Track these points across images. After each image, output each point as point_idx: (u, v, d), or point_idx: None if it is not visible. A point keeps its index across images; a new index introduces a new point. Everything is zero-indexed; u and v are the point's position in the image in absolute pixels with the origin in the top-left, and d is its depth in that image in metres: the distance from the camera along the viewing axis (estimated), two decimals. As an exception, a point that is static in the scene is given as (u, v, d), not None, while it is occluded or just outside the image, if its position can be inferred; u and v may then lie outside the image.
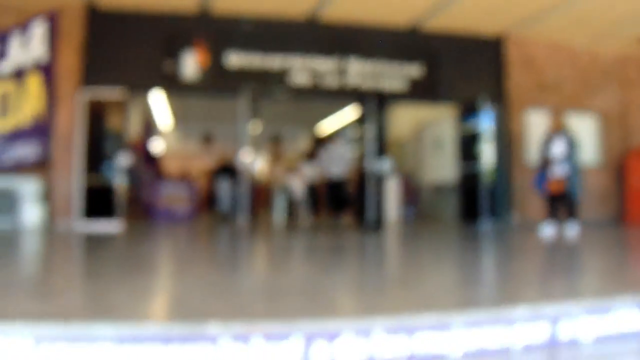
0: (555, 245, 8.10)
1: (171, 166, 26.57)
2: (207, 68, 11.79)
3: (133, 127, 16.94)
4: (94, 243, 8.47)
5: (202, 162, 26.64)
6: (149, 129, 21.27)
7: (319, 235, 9.99)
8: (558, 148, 9.91)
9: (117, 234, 9.76)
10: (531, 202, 12.90)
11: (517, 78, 13.30)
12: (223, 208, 16.93)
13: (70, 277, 4.75)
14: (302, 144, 23.29)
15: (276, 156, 18.28)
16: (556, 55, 13.73)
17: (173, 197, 14.96)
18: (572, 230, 9.71)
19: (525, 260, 6.15)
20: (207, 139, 23.88)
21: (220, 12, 11.87)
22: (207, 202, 21.14)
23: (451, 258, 6.44)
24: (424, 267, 5.44)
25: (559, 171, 9.85)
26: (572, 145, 9.80)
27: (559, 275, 4.77)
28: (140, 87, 11.92)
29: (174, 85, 11.83)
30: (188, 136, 23.73)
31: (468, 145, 13.02)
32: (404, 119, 17.40)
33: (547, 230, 9.85)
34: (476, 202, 12.48)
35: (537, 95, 13.46)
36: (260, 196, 25.94)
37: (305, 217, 15.45)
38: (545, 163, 10.11)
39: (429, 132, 15.24)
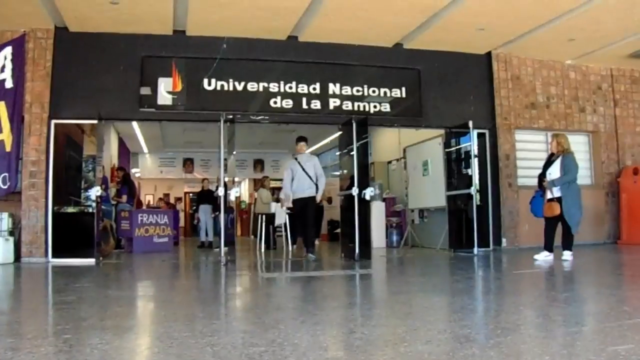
0: (553, 282, 7.66)
1: (152, 193, 26.11)
2: (184, 92, 11.26)
3: (109, 155, 16.44)
4: (59, 284, 7.88)
5: (184, 188, 26.24)
6: (126, 155, 20.76)
7: (298, 269, 9.44)
8: (554, 169, 9.54)
9: (87, 270, 9.15)
10: (522, 227, 12.46)
11: (506, 97, 12.83)
12: (203, 236, 16.43)
13: (22, 338, 4.19)
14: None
15: (260, 181, 17.77)
16: (545, 72, 13.31)
17: (151, 226, 14.39)
18: (566, 259, 9.35)
19: (526, 309, 5.60)
20: (188, 164, 23.31)
21: (196, 35, 11.36)
22: (190, 229, 20.71)
23: (445, 308, 5.86)
24: (416, 327, 4.89)
25: (552, 192, 9.47)
26: (566, 168, 9.39)
27: (565, 335, 4.26)
28: (114, 113, 11.27)
29: (148, 111, 11.25)
30: (169, 161, 23.12)
31: (456, 167, 12.53)
32: (389, 138, 16.95)
33: (543, 260, 9.49)
34: (466, 228, 11.95)
35: (527, 114, 13.00)
36: (243, 222, 25.57)
37: (294, 246, 14.93)
38: (541, 183, 9.78)
39: (415, 152, 14.71)
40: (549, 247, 9.70)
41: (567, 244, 9.52)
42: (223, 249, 10.28)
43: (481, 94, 12.84)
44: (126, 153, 20.85)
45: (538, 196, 9.90)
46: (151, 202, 24.51)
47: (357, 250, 10.70)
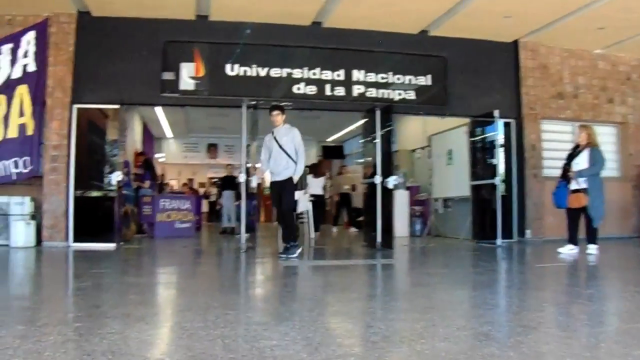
0: (578, 278, 7.50)
1: (177, 178, 26.06)
2: (206, 77, 11.15)
3: (132, 139, 16.43)
4: (78, 268, 7.86)
5: (208, 173, 26.15)
6: (150, 140, 20.75)
7: (319, 257, 9.32)
8: (582, 160, 9.36)
9: (107, 255, 9.13)
10: (547, 218, 12.23)
11: (533, 86, 12.57)
12: (226, 222, 16.35)
13: (33, 325, 4.12)
14: (311, 156, 22.61)
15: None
16: (574, 62, 13.02)
17: (174, 212, 14.38)
18: (591, 253, 9.18)
19: (549, 305, 5.45)
20: (212, 149, 23.19)
21: (219, 20, 11.25)
22: (213, 215, 20.64)
23: (466, 303, 5.72)
24: (434, 323, 4.77)
25: (577, 183, 9.30)
26: (594, 160, 9.19)
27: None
28: (136, 98, 11.26)
29: (170, 96, 11.17)
30: (193, 147, 23.00)
31: (481, 157, 12.33)
32: (414, 126, 16.74)
33: (567, 254, 9.34)
34: (490, 218, 11.75)
35: (554, 104, 12.75)
36: (267, 208, 25.47)
37: (317, 233, 14.88)
38: (565, 174, 9.57)
39: (440, 141, 14.50)
40: (573, 240, 9.52)
41: (592, 238, 9.33)
42: (244, 235, 10.21)
43: (507, 83, 12.60)
44: (150, 138, 20.86)
45: (562, 186, 9.64)
46: (175, 187, 24.53)
47: (379, 239, 10.60)
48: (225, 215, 16.44)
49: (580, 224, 9.45)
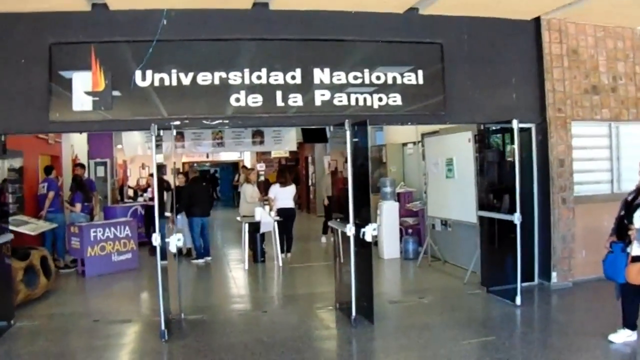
0: None
1: (142, 170, 22.57)
2: (108, 91, 7.48)
3: (68, 145, 13.05)
4: None
5: (182, 158, 22.46)
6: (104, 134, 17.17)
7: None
8: None
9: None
10: (578, 253, 8.87)
11: (560, 80, 8.84)
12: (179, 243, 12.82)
13: None
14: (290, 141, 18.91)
15: (248, 171, 13.99)
16: (611, 43, 9.25)
17: (108, 242, 11.02)
18: None
19: None
20: (177, 137, 19.15)
21: (123, 10, 7.53)
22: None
23: None
24: None
25: None
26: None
27: None
28: (12, 125, 7.51)
29: (59, 121, 7.50)
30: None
31: (492, 177, 8.80)
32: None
33: (623, 342, 6.21)
34: (502, 256, 8.31)
35: (587, 101, 9.03)
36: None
37: (288, 255, 12.26)
38: (622, 232, 6.13)
39: (436, 145, 10.75)
40: (630, 323, 6.25)
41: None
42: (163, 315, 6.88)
43: (526, 76, 8.85)
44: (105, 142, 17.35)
45: (618, 251, 6.14)
46: (140, 182, 20.82)
47: (354, 313, 7.19)
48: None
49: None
